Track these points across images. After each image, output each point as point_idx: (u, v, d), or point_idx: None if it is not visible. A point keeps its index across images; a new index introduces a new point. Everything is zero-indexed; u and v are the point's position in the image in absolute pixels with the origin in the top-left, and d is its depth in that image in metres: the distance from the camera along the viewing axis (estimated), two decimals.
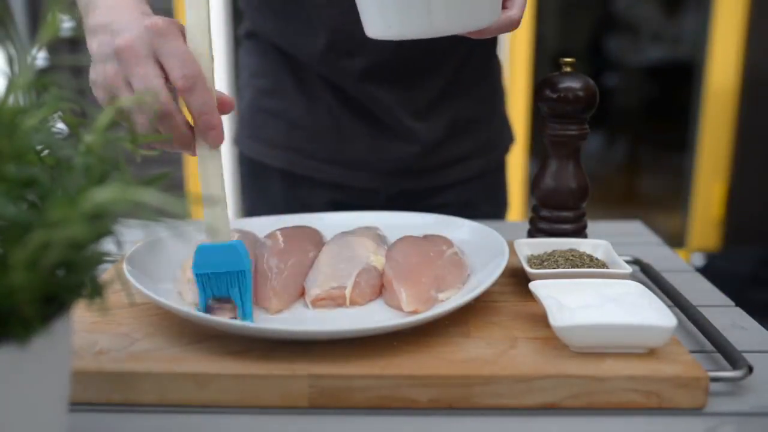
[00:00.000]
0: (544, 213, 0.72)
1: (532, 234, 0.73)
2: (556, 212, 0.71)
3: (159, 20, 0.53)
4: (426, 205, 0.89)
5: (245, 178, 1.00)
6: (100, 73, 0.55)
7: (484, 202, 0.97)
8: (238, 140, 0.98)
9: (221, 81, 2.63)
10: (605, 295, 0.55)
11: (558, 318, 0.50)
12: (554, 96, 0.67)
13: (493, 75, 0.96)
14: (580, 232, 0.72)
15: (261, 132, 0.93)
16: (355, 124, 0.88)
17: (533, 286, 0.56)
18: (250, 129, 0.95)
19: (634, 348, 0.50)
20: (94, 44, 0.56)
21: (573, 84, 0.67)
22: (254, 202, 0.99)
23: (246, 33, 0.94)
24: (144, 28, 0.52)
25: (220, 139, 0.54)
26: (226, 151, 2.69)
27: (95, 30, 0.56)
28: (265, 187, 0.96)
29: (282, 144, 0.92)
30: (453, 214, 0.75)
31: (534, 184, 0.72)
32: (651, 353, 0.50)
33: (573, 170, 0.70)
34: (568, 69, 0.68)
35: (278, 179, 0.94)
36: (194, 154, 0.55)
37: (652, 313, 0.51)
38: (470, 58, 0.90)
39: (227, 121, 2.69)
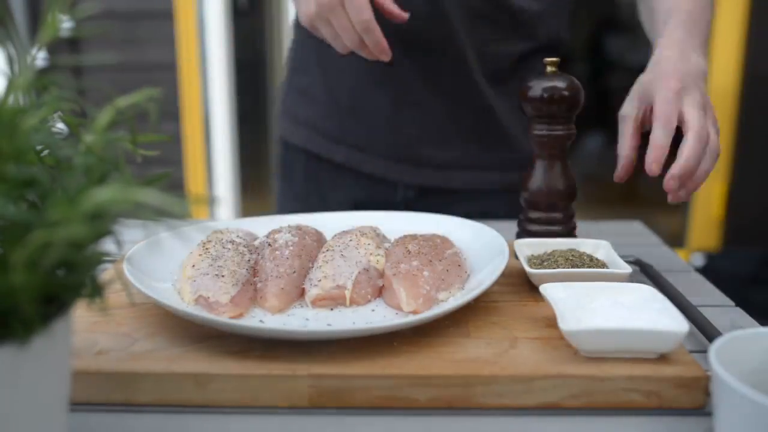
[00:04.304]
0: (533, 215, 0.71)
1: (520, 236, 0.73)
2: (545, 214, 0.70)
3: None
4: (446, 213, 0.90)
5: (279, 161, 1.03)
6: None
7: (505, 217, 0.96)
8: (277, 119, 1.02)
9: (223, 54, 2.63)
10: (616, 299, 0.54)
11: (567, 322, 0.50)
12: (538, 97, 0.67)
13: None
14: (569, 234, 0.71)
15: (291, 109, 0.97)
16: (374, 100, 0.88)
17: (544, 289, 0.55)
18: (283, 105, 0.99)
19: (644, 353, 0.49)
20: None
21: (557, 84, 0.67)
22: (282, 186, 1.02)
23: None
24: None
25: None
26: (228, 150, 2.69)
27: None
28: (290, 169, 0.99)
29: (303, 120, 0.95)
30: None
31: (521, 185, 0.72)
32: None
33: (561, 171, 0.70)
34: (552, 69, 0.68)
35: (301, 163, 0.97)
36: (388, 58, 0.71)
37: (663, 318, 0.50)
38: (521, 62, 0.89)
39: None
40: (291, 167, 1.00)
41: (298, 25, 0.96)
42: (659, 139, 0.63)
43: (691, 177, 0.62)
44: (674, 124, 0.63)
